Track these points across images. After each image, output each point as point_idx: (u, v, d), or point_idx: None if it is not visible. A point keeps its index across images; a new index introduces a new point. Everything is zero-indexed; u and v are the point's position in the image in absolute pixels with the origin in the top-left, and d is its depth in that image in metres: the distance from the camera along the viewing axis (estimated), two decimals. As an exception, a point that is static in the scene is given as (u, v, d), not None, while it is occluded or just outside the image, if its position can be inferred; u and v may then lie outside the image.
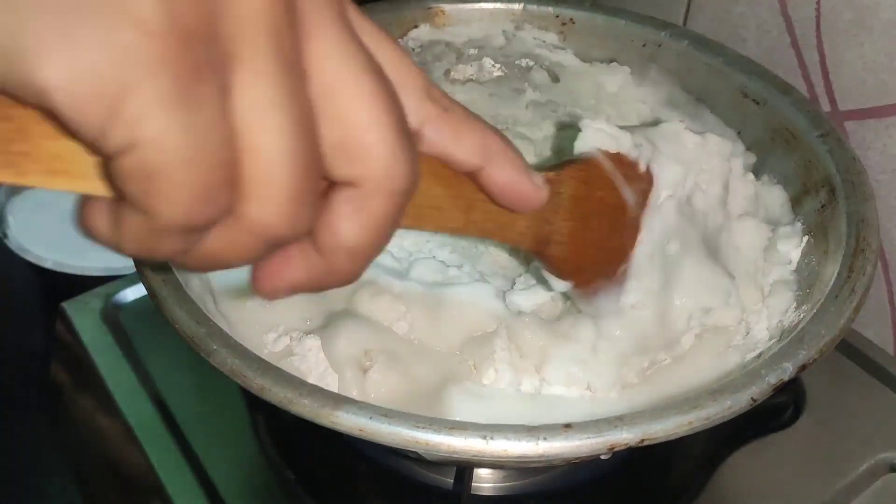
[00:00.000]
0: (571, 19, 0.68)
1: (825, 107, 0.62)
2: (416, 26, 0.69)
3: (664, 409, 0.38)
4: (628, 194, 0.44)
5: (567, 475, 0.56)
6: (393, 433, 0.37)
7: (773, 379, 0.40)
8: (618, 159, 0.43)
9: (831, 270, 0.47)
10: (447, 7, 0.69)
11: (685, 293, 0.47)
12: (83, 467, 0.66)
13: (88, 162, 0.24)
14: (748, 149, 0.60)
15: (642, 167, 0.45)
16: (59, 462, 0.69)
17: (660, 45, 0.65)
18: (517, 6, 0.69)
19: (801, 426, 0.58)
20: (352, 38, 0.25)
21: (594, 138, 0.43)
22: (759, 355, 0.45)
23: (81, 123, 0.21)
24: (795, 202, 0.56)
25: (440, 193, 0.33)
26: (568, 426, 0.37)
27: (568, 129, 0.62)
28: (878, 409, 0.59)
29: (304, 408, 0.38)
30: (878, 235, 0.48)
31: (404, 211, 0.27)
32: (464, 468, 0.52)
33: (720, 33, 0.67)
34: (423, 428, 0.37)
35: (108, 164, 0.22)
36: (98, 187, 0.24)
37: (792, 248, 0.52)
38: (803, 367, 0.41)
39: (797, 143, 0.56)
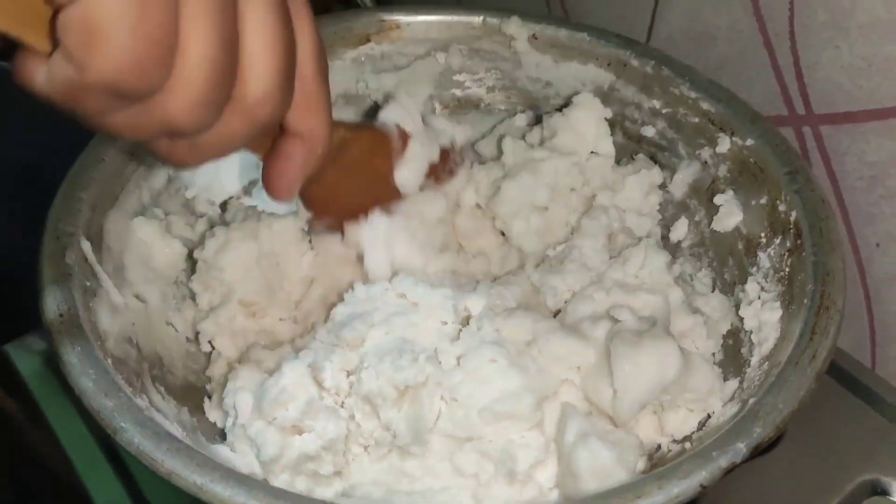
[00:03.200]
0: (534, 35, 0.65)
1: (800, 110, 0.58)
2: (368, 40, 0.65)
3: (605, 498, 0.35)
4: (400, 169, 0.52)
5: None
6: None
7: (724, 462, 0.37)
8: (403, 135, 0.52)
9: (795, 326, 0.45)
10: (403, 19, 0.65)
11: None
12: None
13: (41, 13, 0.27)
14: (713, 181, 0.57)
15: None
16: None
17: (625, 65, 0.62)
18: (476, 19, 0.65)
19: (781, 450, 0.55)
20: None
21: (396, 113, 0.52)
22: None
23: None
24: (760, 244, 0.53)
25: None
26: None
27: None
28: (859, 429, 0.57)
29: (214, 497, 0.35)
30: (843, 291, 0.45)
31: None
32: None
33: (690, 32, 0.64)
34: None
35: (56, 16, 0.26)
36: (41, 40, 0.28)
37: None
38: (757, 447, 0.38)
39: (765, 179, 0.53)
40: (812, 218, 0.49)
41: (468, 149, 0.61)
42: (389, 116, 0.53)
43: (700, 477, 0.36)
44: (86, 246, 0.46)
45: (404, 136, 0.53)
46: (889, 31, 0.51)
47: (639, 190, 0.59)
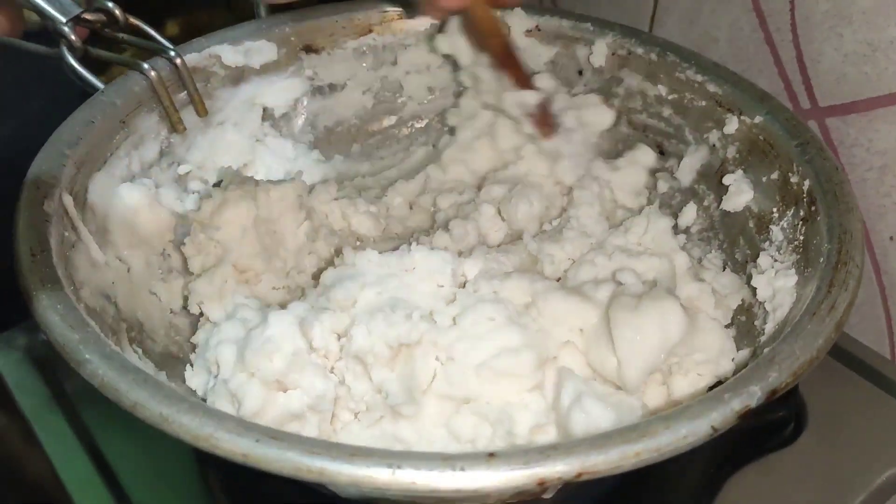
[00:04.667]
0: (537, 26, 0.64)
1: (804, 104, 0.57)
2: (370, 31, 0.64)
3: (606, 437, 0.32)
4: None
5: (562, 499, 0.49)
6: (281, 459, 0.31)
7: (737, 405, 0.34)
8: None
9: (810, 288, 0.42)
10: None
11: None
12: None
13: None
14: (722, 163, 0.55)
15: None
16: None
17: (629, 53, 0.61)
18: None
19: (803, 443, 0.52)
20: None
21: None
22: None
23: None
24: (773, 218, 0.50)
25: None
26: (492, 455, 0.31)
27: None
28: (884, 421, 0.53)
29: (181, 428, 0.32)
30: (862, 249, 0.42)
31: None
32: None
33: (690, 33, 0.63)
34: (318, 454, 0.31)
35: None
36: None
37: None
38: (773, 392, 0.35)
39: (775, 155, 0.51)
40: (826, 184, 0.47)
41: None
42: None
43: (710, 419, 0.33)
44: (67, 200, 0.45)
45: None
46: (893, 13, 0.50)
47: (630, 170, 0.57)
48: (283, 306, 0.48)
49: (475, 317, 0.42)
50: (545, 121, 0.58)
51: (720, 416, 0.33)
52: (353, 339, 0.42)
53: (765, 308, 0.46)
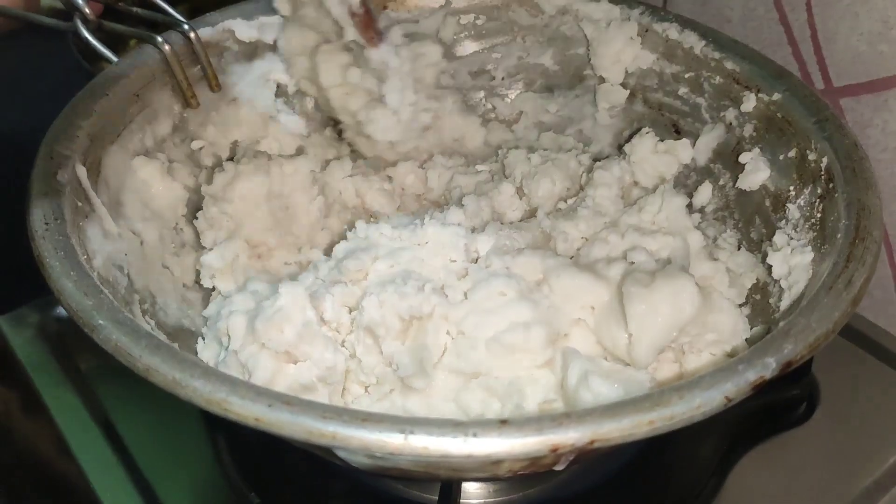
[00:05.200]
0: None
1: (819, 84, 0.57)
2: (385, 7, 0.64)
3: (620, 406, 0.32)
4: None
5: (566, 485, 0.49)
6: (295, 424, 0.31)
7: (752, 376, 0.33)
8: None
9: (827, 264, 0.41)
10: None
11: None
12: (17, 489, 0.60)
13: None
14: (738, 142, 0.55)
15: None
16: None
17: (647, 30, 0.60)
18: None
19: (816, 422, 0.52)
20: None
21: None
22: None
23: None
24: (789, 196, 0.50)
25: None
26: (504, 422, 0.31)
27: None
28: None
29: (194, 392, 0.32)
30: (881, 225, 0.42)
31: None
32: (449, 484, 0.45)
33: (703, 15, 0.62)
34: (330, 418, 0.31)
35: None
36: None
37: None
38: (788, 364, 0.34)
39: (793, 132, 0.51)
40: (845, 161, 0.46)
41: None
42: None
43: (724, 389, 0.33)
44: (81, 171, 0.45)
45: None
46: None
47: (648, 150, 0.57)
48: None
49: (487, 291, 0.42)
50: (369, 24, 0.54)
51: (734, 386, 0.33)
52: (365, 310, 0.42)
53: (780, 286, 0.45)
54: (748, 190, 0.53)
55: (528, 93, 0.66)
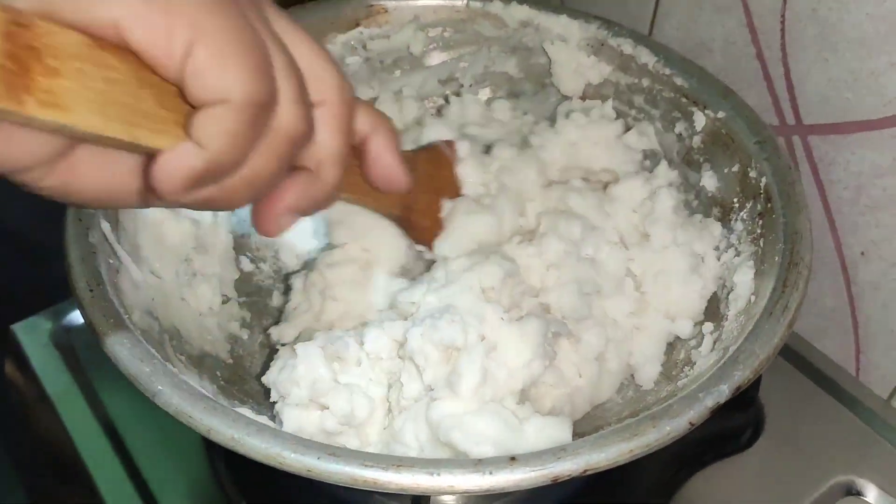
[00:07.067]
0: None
1: (790, 120, 0.61)
2: (357, 25, 0.67)
3: (606, 438, 0.39)
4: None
5: (527, 500, 0.56)
6: (341, 472, 0.38)
7: (710, 402, 0.41)
8: (450, 143, 0.59)
9: (767, 285, 0.49)
10: (389, 3, 0.68)
11: None
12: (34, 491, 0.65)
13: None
14: (688, 151, 0.61)
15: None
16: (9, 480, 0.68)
17: (602, 44, 0.65)
18: (460, 2, 0.68)
19: (759, 448, 0.58)
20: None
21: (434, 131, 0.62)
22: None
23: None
24: (734, 208, 0.57)
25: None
26: (513, 459, 0.38)
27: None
28: (837, 431, 0.59)
29: (252, 449, 0.38)
30: (810, 248, 0.49)
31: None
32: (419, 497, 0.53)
33: (686, 42, 0.67)
34: (370, 466, 0.38)
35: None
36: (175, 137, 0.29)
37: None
38: (738, 388, 0.42)
39: (736, 148, 0.57)
40: (781, 183, 0.53)
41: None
42: (430, 136, 0.62)
43: (689, 416, 0.40)
44: (105, 227, 0.49)
45: (450, 144, 0.59)
46: (874, 47, 0.53)
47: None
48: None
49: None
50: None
51: (696, 412, 0.41)
52: (408, 341, 0.48)
53: (727, 298, 0.53)
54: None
55: (495, 99, 0.71)
